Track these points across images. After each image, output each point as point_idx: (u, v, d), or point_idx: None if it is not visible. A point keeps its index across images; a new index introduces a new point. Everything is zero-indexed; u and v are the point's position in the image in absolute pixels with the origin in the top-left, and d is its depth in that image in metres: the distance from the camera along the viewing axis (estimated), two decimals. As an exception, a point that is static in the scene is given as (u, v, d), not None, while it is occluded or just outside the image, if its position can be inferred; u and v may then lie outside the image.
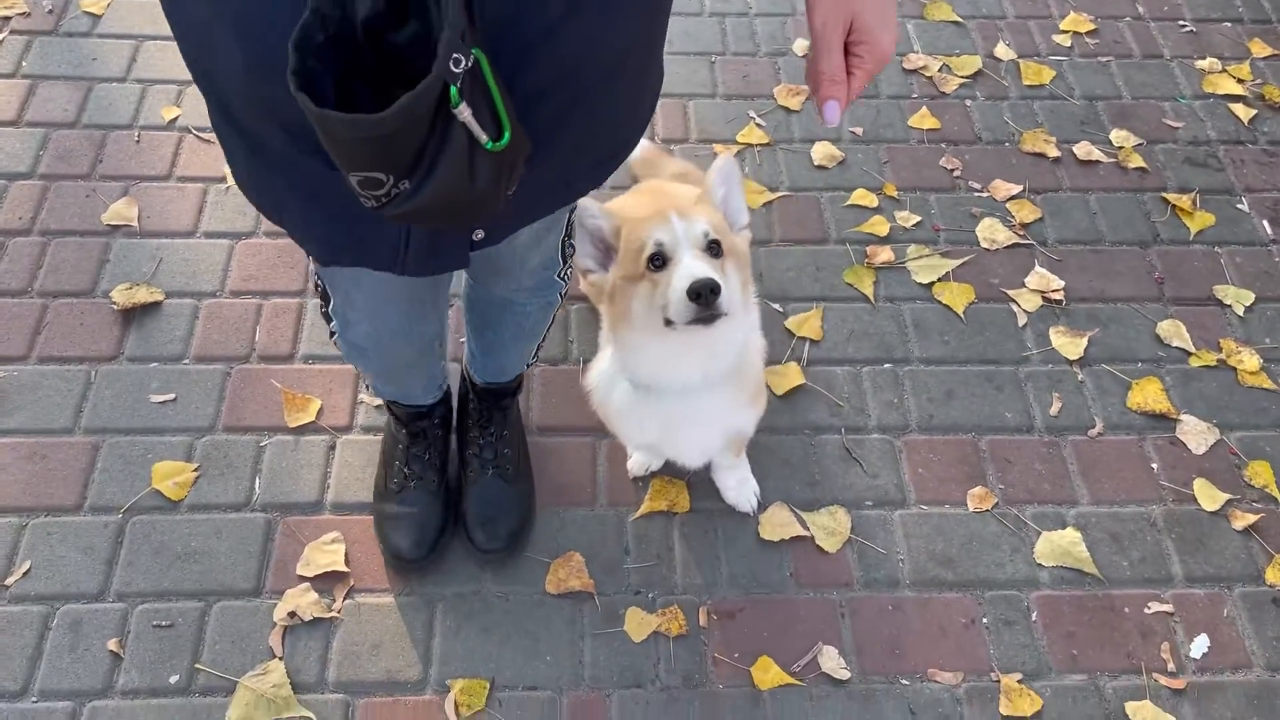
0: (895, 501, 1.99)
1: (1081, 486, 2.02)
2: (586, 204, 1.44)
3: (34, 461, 1.95)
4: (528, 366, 1.90)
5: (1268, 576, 1.91)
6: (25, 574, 1.81)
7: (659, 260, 1.41)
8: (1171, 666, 1.81)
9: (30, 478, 1.93)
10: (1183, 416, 2.12)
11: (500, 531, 1.86)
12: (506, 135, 0.87)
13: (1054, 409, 2.12)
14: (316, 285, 1.45)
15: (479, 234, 1.14)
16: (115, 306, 2.16)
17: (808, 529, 1.94)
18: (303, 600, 1.80)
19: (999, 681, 1.78)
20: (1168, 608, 1.87)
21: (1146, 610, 1.87)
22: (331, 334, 1.56)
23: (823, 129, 2.59)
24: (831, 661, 1.79)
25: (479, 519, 1.86)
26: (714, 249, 1.43)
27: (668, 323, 1.41)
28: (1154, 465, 2.05)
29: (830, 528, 1.94)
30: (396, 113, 0.78)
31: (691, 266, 1.37)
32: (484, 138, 0.84)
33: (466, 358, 1.92)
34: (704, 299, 1.33)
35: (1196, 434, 2.09)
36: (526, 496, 1.92)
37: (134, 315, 2.16)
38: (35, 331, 2.12)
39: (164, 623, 1.78)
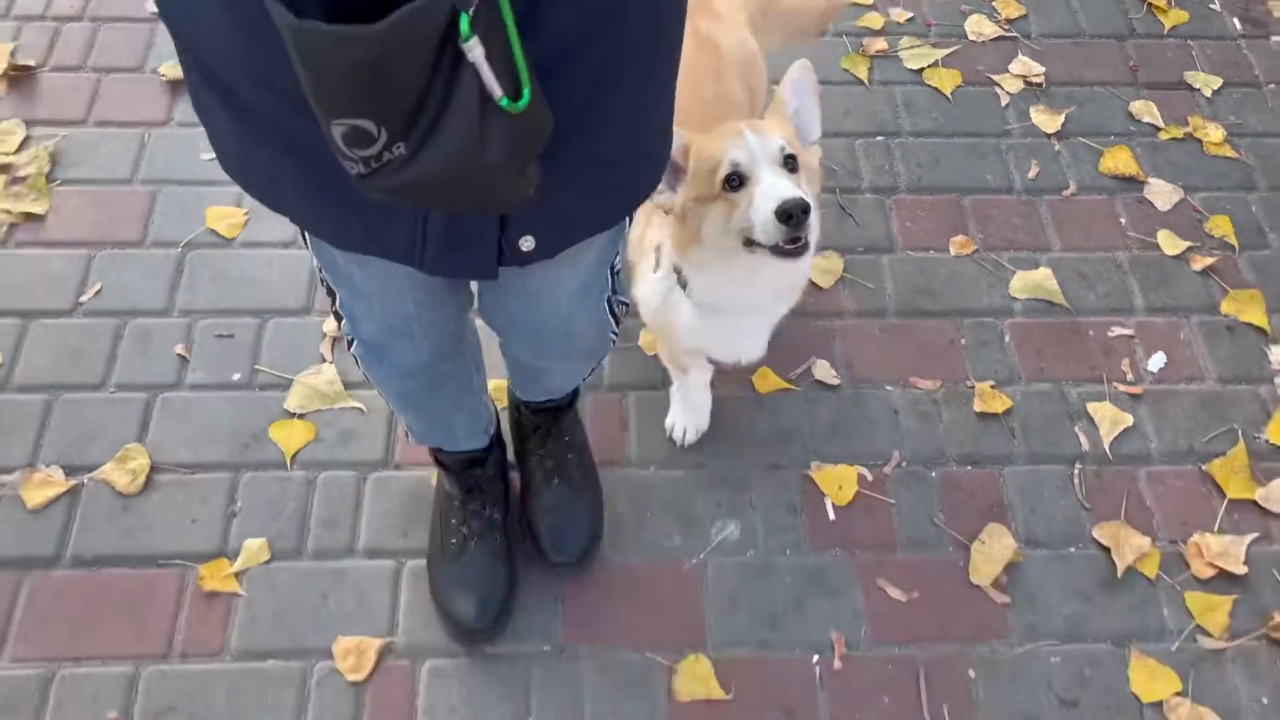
0: (884, 248, 2.18)
1: (1055, 236, 2.21)
2: None
3: (98, 207, 2.13)
4: (584, 381, 1.69)
5: (1222, 308, 2.11)
6: (97, 293, 2.01)
7: (735, 180, 1.35)
8: (1130, 377, 2.01)
9: (96, 219, 2.11)
10: (1150, 179, 2.30)
11: (571, 546, 1.72)
12: (526, 95, 0.72)
13: (1032, 173, 2.30)
14: (322, 281, 1.27)
15: (528, 242, 0.96)
16: (164, 79, 2.33)
17: (804, 269, 2.13)
18: (348, 317, 1.99)
19: (974, 387, 1.98)
20: (1129, 331, 2.07)
21: (1109, 333, 2.07)
22: (349, 343, 1.36)
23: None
24: (823, 371, 1.99)
25: (548, 534, 1.72)
26: (790, 164, 1.36)
27: (748, 244, 1.36)
28: (1122, 220, 2.24)
29: (824, 267, 2.13)
30: (392, 27, 0.64)
31: (776, 185, 1.31)
32: (499, 92, 0.70)
33: (507, 372, 1.69)
34: (794, 219, 1.28)
35: (1163, 194, 2.27)
36: (595, 505, 1.77)
37: (182, 87, 2.32)
38: (91, 100, 2.30)
39: (225, 333, 1.98)
